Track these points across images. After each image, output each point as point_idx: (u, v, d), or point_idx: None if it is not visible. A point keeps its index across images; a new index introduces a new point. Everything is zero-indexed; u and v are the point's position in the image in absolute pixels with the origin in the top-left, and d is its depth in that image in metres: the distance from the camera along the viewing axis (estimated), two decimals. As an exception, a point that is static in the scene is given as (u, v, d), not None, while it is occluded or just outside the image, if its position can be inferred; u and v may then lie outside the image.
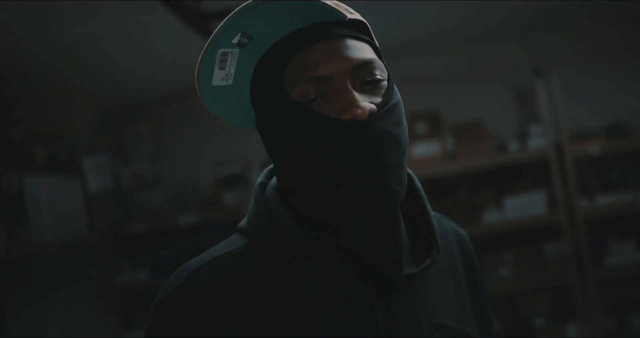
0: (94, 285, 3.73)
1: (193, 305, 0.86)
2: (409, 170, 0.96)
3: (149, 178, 4.25)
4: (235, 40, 0.85)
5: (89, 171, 3.50)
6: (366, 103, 0.86)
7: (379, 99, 0.88)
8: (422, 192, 1.02)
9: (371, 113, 0.85)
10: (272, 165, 0.99)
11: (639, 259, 3.65)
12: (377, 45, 0.96)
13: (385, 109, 0.87)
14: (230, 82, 0.89)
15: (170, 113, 4.39)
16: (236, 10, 0.83)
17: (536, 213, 3.74)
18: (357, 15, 0.93)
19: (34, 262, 3.17)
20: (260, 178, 0.98)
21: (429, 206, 1.02)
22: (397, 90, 0.94)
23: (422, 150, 3.78)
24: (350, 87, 0.86)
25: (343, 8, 0.91)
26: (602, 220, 3.79)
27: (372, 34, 0.95)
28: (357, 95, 0.86)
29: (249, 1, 0.82)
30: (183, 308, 0.87)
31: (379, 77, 0.89)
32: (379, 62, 0.91)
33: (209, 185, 4.07)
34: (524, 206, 3.76)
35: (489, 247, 3.96)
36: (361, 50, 0.89)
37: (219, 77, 0.88)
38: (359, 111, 0.83)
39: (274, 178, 0.97)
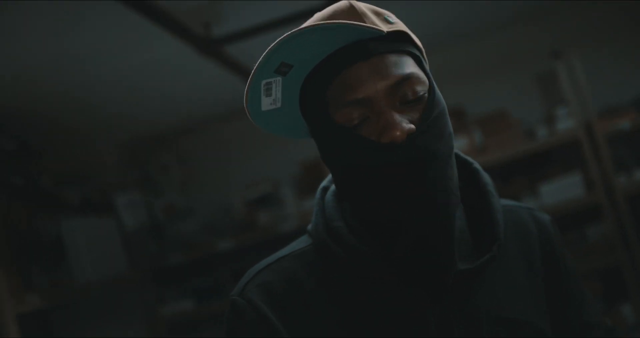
0: (139, 319, 3.74)
1: (258, 298, 0.95)
2: (476, 165, 1.02)
3: (181, 209, 4.26)
4: (275, 70, 0.88)
5: (123, 208, 3.52)
6: (404, 124, 0.87)
7: (418, 115, 0.90)
8: (489, 186, 1.02)
9: (410, 133, 0.87)
10: (326, 184, 1.05)
11: (687, 230, 3.57)
12: (420, 47, 0.96)
13: (425, 126, 0.89)
14: (279, 105, 0.93)
15: (193, 142, 4.40)
16: (274, 44, 0.84)
17: (574, 196, 3.68)
18: (397, 25, 0.93)
19: (79, 303, 3.19)
20: (323, 183, 1.03)
21: (494, 200, 1.01)
22: (440, 96, 0.95)
23: (449, 148, 3.74)
24: (389, 108, 0.88)
25: (382, 18, 0.93)
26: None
27: (414, 38, 0.96)
28: (396, 116, 0.88)
29: (285, 35, 0.84)
30: (250, 302, 0.95)
31: (418, 92, 0.90)
32: (417, 76, 0.91)
33: (241, 208, 4.07)
34: (560, 191, 3.70)
35: (530, 236, 3.90)
36: (399, 66, 0.90)
37: (267, 103, 0.92)
38: (397, 133, 0.86)
39: (328, 190, 1.02)
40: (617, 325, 3.57)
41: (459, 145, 3.72)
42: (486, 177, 1.04)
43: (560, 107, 3.68)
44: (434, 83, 0.95)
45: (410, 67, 0.92)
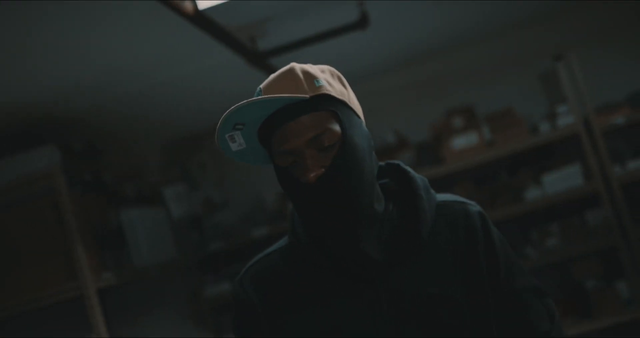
0: (186, 300, 4.17)
1: (249, 284, 1.33)
2: (412, 173, 1.33)
3: (218, 202, 4.69)
4: (233, 128, 1.21)
5: (170, 200, 3.94)
6: (315, 168, 1.19)
7: (329, 162, 1.21)
8: (420, 190, 1.31)
9: (319, 175, 1.19)
10: None
11: (677, 214, 3.96)
12: (343, 100, 1.26)
13: (331, 170, 1.20)
14: (244, 146, 1.25)
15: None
16: (226, 112, 1.18)
17: (574, 185, 4.07)
18: (321, 88, 1.22)
19: (136, 283, 3.62)
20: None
21: (423, 203, 1.30)
22: (356, 141, 1.24)
23: (462, 142, 4.14)
24: (308, 155, 1.20)
25: (312, 82, 1.22)
26: (636, 183, 4.10)
27: (336, 95, 1.25)
28: (310, 162, 1.19)
29: (233, 107, 1.18)
30: (244, 287, 1.34)
31: (330, 142, 1.21)
32: (330, 130, 1.21)
33: (273, 200, 4.49)
34: (561, 180, 4.09)
35: (534, 222, 4.30)
36: (315, 124, 1.20)
37: (235, 146, 1.24)
38: (311, 175, 1.19)
39: None
40: (607, 301, 3.99)
41: (470, 140, 4.11)
42: (419, 183, 1.33)
43: (561, 105, 4.08)
44: (352, 131, 1.23)
45: (325, 123, 1.20)
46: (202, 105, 4.19)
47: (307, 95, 1.19)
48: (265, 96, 1.17)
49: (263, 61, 3.08)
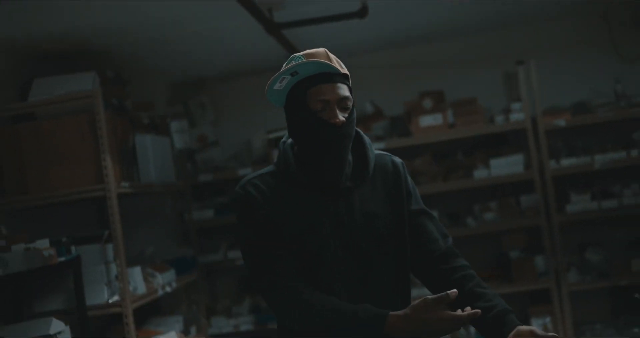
0: (174, 220, 4.90)
1: (251, 190, 1.89)
2: (362, 133, 1.99)
3: (211, 140, 5.37)
4: (287, 74, 1.84)
5: (174, 132, 4.60)
6: (341, 117, 1.84)
7: (346, 116, 1.86)
8: (367, 144, 1.97)
9: (344, 122, 1.84)
10: (283, 136, 2.02)
11: (593, 207, 4.77)
12: (350, 85, 1.91)
13: (348, 122, 1.86)
14: (281, 89, 1.88)
15: (228, 88, 5.48)
16: (296, 63, 1.82)
17: (515, 171, 4.85)
18: (345, 70, 1.90)
19: (140, 198, 4.31)
20: (283, 139, 2.00)
21: (369, 152, 1.95)
22: (355, 110, 1.92)
23: (428, 121, 4.87)
24: (336, 107, 1.84)
25: (339, 64, 1.89)
26: (566, 177, 4.90)
27: (350, 78, 1.92)
28: (338, 112, 1.84)
29: (301, 61, 1.83)
30: (246, 190, 1.89)
31: (348, 105, 1.87)
32: (349, 97, 1.87)
33: (261, 145, 5.19)
34: (506, 166, 4.87)
35: (478, 198, 5.08)
36: (343, 90, 1.86)
37: (278, 86, 1.87)
38: (338, 120, 1.83)
39: (287, 141, 1.98)
40: (525, 271, 4.80)
41: (436, 120, 4.85)
42: (367, 141, 1.97)
43: (516, 103, 4.83)
44: (355, 103, 1.92)
45: (347, 91, 1.86)
46: (213, 58, 4.83)
47: (341, 71, 1.88)
48: (323, 61, 1.82)
49: (277, 30, 3.73)
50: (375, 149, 2.02)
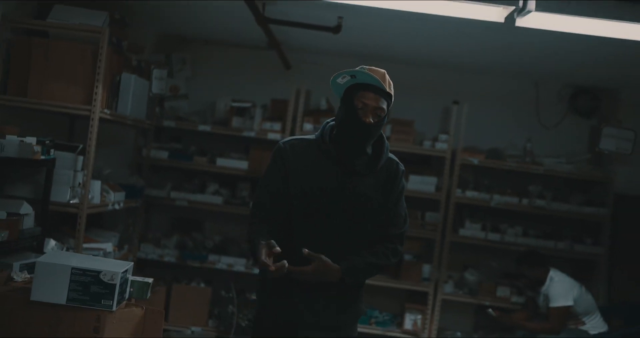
0: (134, 151, 5.57)
1: (290, 147, 2.65)
2: (385, 139, 2.68)
3: (182, 93, 6.05)
4: (349, 74, 2.54)
5: (155, 78, 5.26)
6: (371, 119, 2.54)
7: (377, 120, 2.62)
8: (385, 145, 2.66)
9: (370, 123, 2.55)
10: (333, 118, 2.75)
11: (480, 236, 5.68)
12: (392, 98, 2.62)
13: (375, 125, 2.54)
14: (342, 83, 2.57)
15: (209, 53, 6.17)
16: (357, 68, 2.56)
17: (428, 190, 5.71)
18: (391, 92, 2.59)
19: (114, 126, 4.98)
20: (327, 120, 2.73)
21: (385, 152, 2.65)
22: (385, 120, 2.61)
23: (370, 129, 5.67)
24: (370, 111, 2.53)
25: (389, 84, 2.59)
26: (466, 205, 5.79)
27: (392, 98, 2.62)
28: (370, 115, 2.53)
29: (362, 70, 2.55)
30: (281, 153, 2.64)
31: (381, 114, 2.55)
32: (384, 109, 2.54)
33: (223, 109, 5.89)
34: (421, 183, 5.72)
35: (391, 203, 5.92)
36: (381, 103, 2.54)
37: (341, 80, 2.56)
38: (368, 120, 2.54)
39: (331, 122, 2.73)
40: (412, 273, 5.67)
41: (376, 130, 5.66)
42: (387, 144, 2.65)
43: (444, 134, 5.69)
44: (386, 116, 2.58)
45: (384, 105, 2.53)
46: (203, 24, 5.49)
47: (387, 90, 2.56)
48: (371, 73, 2.50)
49: (265, 24, 4.45)
50: (390, 153, 2.72)
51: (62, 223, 4.48)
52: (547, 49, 4.78)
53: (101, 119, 4.27)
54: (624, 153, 5.44)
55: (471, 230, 5.72)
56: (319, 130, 2.69)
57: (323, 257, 2.51)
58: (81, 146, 4.18)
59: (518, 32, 3.88)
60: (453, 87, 6.04)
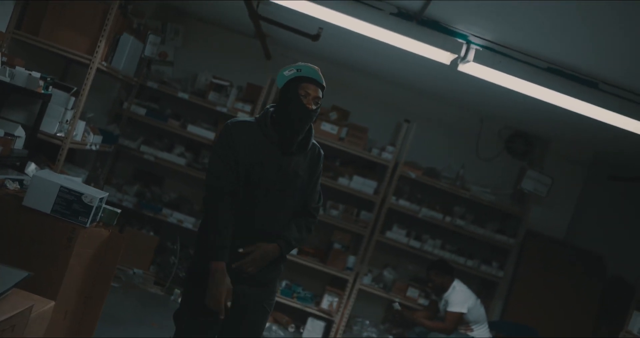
0: (117, 103, 6.12)
1: (234, 130, 3.00)
2: (312, 126, 3.31)
3: (169, 59, 6.62)
4: (295, 68, 3.11)
5: (149, 42, 5.82)
6: (312, 106, 3.08)
7: (316, 107, 3.18)
8: (313, 133, 3.10)
9: (312, 109, 3.16)
10: (272, 104, 3.32)
11: (403, 241, 6.39)
12: (323, 93, 3.27)
13: (314, 111, 2.97)
14: (288, 75, 3.01)
15: (202, 28, 6.75)
16: (304, 64, 3.12)
17: (367, 191, 6.38)
18: (323, 83, 3.24)
19: (108, 76, 5.53)
20: (267, 106, 3.23)
21: (311, 136, 3.06)
22: (319, 108, 3.29)
23: (327, 127, 6.32)
24: (312, 100, 3.01)
25: (322, 77, 3.23)
26: (397, 212, 6.50)
27: (324, 90, 3.28)
28: (312, 102, 2.97)
29: (306, 66, 3.10)
30: (231, 130, 2.99)
31: (319, 102, 3.01)
32: (320, 98, 2.98)
33: (203, 82, 6.48)
34: (363, 185, 6.39)
35: (334, 197, 6.58)
36: (319, 92, 2.99)
37: (287, 73, 3.03)
38: (310, 106, 2.95)
39: (271, 108, 3.26)
40: (339, 260, 6.36)
41: (333, 130, 6.31)
42: (313, 131, 3.06)
43: (391, 146, 6.38)
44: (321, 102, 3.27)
45: (321, 94, 2.97)
46: (203, 3, 6.05)
47: (323, 84, 3.00)
48: (318, 73, 2.95)
49: (257, 20, 5.07)
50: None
51: (43, 153, 5.01)
52: (489, 93, 5.48)
53: (98, 70, 4.83)
54: (539, 195, 6.26)
55: (397, 234, 6.42)
56: (261, 114, 3.07)
57: (258, 244, 2.98)
58: (75, 89, 4.74)
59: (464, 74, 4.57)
60: (408, 106, 6.75)
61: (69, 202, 3.22)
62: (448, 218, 6.40)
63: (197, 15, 6.67)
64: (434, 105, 6.81)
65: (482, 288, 6.54)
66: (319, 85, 3.00)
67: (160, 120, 6.27)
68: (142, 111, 6.26)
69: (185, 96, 6.27)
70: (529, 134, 6.77)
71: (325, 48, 5.93)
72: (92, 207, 3.24)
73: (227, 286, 2.85)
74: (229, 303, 2.87)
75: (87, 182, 5.49)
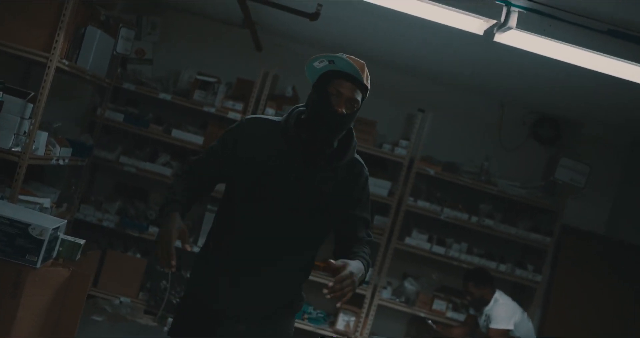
0: (89, 108, 5.35)
1: (251, 125, 2.44)
2: (354, 135, 2.45)
3: (147, 57, 5.85)
4: (327, 59, 2.32)
5: (121, 37, 5.06)
6: (342, 109, 2.31)
7: (350, 111, 2.34)
8: (354, 142, 2.46)
9: (342, 113, 2.32)
10: (303, 104, 2.50)
11: (425, 247, 5.64)
12: (367, 92, 2.39)
13: (347, 117, 2.32)
14: (318, 68, 2.34)
15: (181, 20, 5.97)
16: (337, 54, 2.37)
17: (380, 193, 5.63)
18: (368, 85, 2.36)
19: (72, 79, 4.76)
20: (298, 105, 2.54)
21: (349, 148, 2.42)
22: (357, 114, 2.39)
23: (333, 123, 5.57)
24: (343, 101, 2.31)
25: (367, 77, 2.37)
26: (415, 214, 5.74)
27: (368, 90, 2.39)
28: (343, 105, 2.30)
29: (340, 55, 2.38)
30: (242, 125, 2.45)
31: (354, 105, 2.33)
32: (358, 101, 2.33)
33: (187, 81, 5.71)
34: (375, 186, 5.62)
35: (341, 201, 5.83)
36: (357, 94, 2.32)
37: (317, 65, 2.33)
38: (340, 109, 2.30)
39: (301, 107, 2.51)
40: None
41: (339, 125, 5.55)
42: (355, 142, 2.45)
43: (405, 140, 5.63)
44: (359, 109, 2.37)
45: (359, 98, 2.33)
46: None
47: (364, 82, 2.36)
48: (352, 61, 2.30)
49: (244, 2, 4.32)
50: (357, 153, 2.51)
51: (1, 171, 4.25)
52: (517, 70, 4.78)
53: (58, 69, 4.07)
54: (577, 186, 5.50)
55: (417, 240, 5.67)
56: (285, 114, 2.47)
57: (343, 260, 2.23)
58: (32, 94, 3.96)
59: (493, 48, 3.83)
60: (420, 94, 5.99)
61: (11, 236, 2.46)
62: (474, 219, 5.65)
63: (176, 5, 5.90)
64: (450, 91, 6.06)
65: (514, 295, 5.78)
66: (358, 84, 2.34)
67: (141, 126, 5.50)
68: (119, 117, 5.48)
69: (168, 97, 5.51)
70: (556, 117, 6.02)
71: (324, 30, 5.18)
72: (42, 241, 2.49)
73: (178, 226, 2.25)
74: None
75: (59, 201, 4.72)
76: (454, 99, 6.06)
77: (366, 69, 2.40)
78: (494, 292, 4.94)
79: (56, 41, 3.93)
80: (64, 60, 4.07)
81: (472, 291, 4.98)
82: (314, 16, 4.30)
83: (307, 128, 2.37)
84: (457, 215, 5.65)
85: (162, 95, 5.51)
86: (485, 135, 6.05)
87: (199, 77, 5.62)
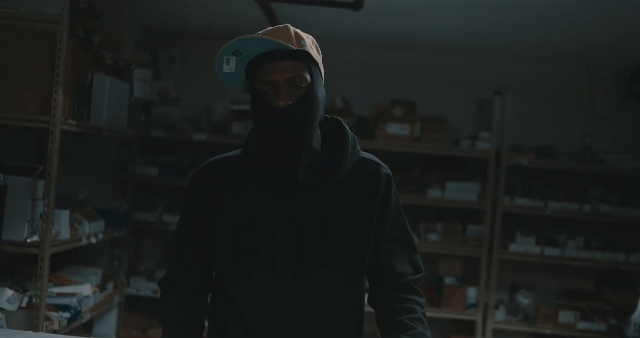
0: (117, 169, 4.67)
1: (207, 174, 1.73)
2: (347, 130, 1.72)
3: (172, 96, 5.14)
4: (232, 53, 1.60)
5: (137, 80, 4.36)
6: (285, 99, 1.57)
7: (295, 98, 1.59)
8: (349, 144, 1.68)
9: (287, 105, 1.58)
10: None
11: (535, 252, 4.76)
12: (317, 61, 1.66)
13: (299, 105, 1.58)
14: (232, 71, 1.62)
15: (202, 47, 5.25)
16: (232, 40, 1.56)
17: (469, 199, 4.79)
18: (305, 47, 1.61)
19: (87, 138, 4.08)
20: (252, 127, 1.75)
21: (345, 148, 1.68)
22: (317, 91, 1.64)
23: (395, 129, 4.76)
24: (282, 88, 1.58)
25: (300, 40, 1.61)
26: (515, 215, 4.86)
27: (314, 56, 1.65)
28: (283, 93, 1.58)
29: (238, 37, 1.61)
30: (199, 176, 1.74)
31: (298, 84, 1.60)
32: (302, 76, 1.59)
33: (221, 114, 4.99)
34: (461, 191, 4.80)
35: (426, 216, 4.99)
36: (294, 69, 1.59)
37: (227, 68, 1.61)
38: (281, 102, 1.58)
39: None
40: (455, 299, 4.74)
41: (403, 130, 4.73)
42: (350, 139, 1.70)
43: (486, 132, 4.76)
44: (317, 84, 1.63)
45: (301, 70, 1.59)
46: (191, 10, 4.59)
47: (295, 48, 1.60)
48: (265, 36, 1.57)
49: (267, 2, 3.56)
50: (366, 152, 1.78)
51: (25, 263, 3.58)
52: (599, 20, 3.96)
53: (66, 132, 3.37)
54: None
55: (524, 245, 4.79)
56: (244, 140, 1.76)
57: None
58: (41, 168, 3.28)
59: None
60: (489, 76, 5.12)
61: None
62: (586, 207, 4.74)
63: (192, 31, 5.18)
64: (522, 66, 5.17)
65: None
66: (291, 55, 1.60)
67: (179, 176, 4.78)
68: (152, 170, 4.79)
69: (203, 137, 4.80)
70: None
71: (364, 27, 4.43)
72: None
73: None
74: None
75: (103, 282, 4.04)
76: (529, 73, 5.16)
77: (293, 29, 1.63)
78: (639, 294, 4.04)
79: (55, 99, 3.24)
80: (69, 121, 3.37)
81: (611, 298, 4.10)
82: (357, 5, 3.52)
83: (267, 146, 1.65)
84: (566, 206, 4.75)
85: (196, 136, 4.81)
86: (576, 107, 5.13)
87: (233, 107, 4.91)
